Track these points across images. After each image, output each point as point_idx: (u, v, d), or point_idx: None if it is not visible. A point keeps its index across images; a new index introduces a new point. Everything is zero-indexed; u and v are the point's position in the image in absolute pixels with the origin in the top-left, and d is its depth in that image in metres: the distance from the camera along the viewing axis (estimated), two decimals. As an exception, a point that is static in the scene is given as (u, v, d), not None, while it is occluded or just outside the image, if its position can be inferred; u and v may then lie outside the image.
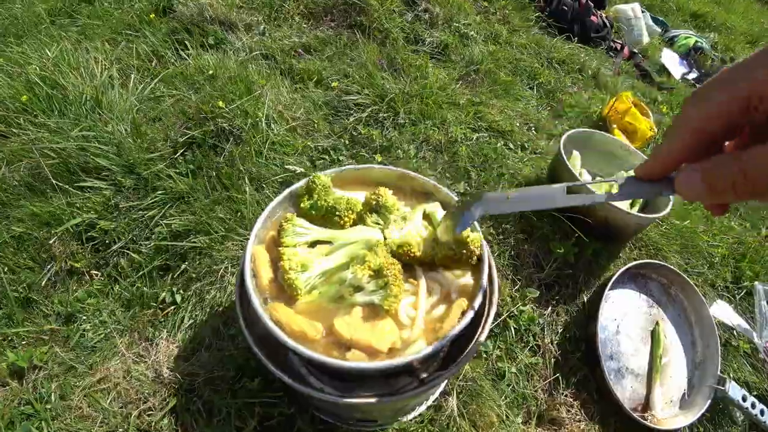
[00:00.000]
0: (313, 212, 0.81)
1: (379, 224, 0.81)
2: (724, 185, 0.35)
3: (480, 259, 0.80)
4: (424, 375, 0.76)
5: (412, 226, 0.81)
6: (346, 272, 0.73)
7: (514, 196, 0.52)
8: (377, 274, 0.70)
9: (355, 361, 0.64)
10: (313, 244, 0.79)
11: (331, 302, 0.73)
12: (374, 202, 0.81)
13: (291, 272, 0.69)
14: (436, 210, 0.88)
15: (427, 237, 0.79)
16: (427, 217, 0.87)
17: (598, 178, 0.43)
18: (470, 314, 0.70)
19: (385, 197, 0.81)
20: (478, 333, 0.79)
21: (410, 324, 0.69)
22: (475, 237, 0.79)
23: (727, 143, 0.41)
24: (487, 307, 0.83)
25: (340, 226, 0.80)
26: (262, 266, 0.75)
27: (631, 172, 0.45)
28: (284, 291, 0.74)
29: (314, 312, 0.72)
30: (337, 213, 0.79)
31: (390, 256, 0.74)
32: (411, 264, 0.77)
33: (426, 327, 0.70)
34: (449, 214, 0.67)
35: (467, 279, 0.77)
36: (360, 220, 0.81)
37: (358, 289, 0.72)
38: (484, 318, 0.82)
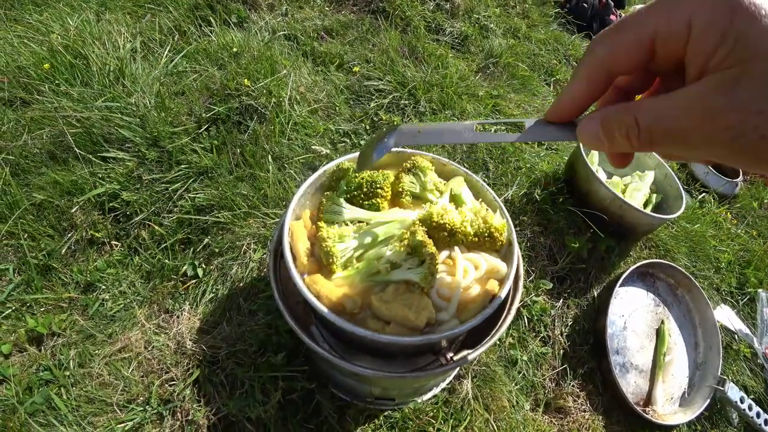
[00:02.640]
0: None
1: (414, 184, 0.83)
2: (620, 135, 0.36)
3: (510, 243, 0.82)
4: (450, 354, 0.79)
5: (444, 201, 0.83)
6: (383, 249, 0.75)
7: (425, 129, 0.53)
8: (414, 251, 0.72)
9: (392, 335, 0.66)
10: (348, 223, 0.81)
11: (367, 278, 0.74)
12: (410, 165, 0.84)
13: (329, 240, 0.71)
14: (461, 191, 0.89)
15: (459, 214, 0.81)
16: (453, 198, 0.89)
17: (508, 119, 0.46)
18: (502, 295, 0.72)
19: (420, 160, 0.84)
20: (504, 316, 0.81)
21: (446, 302, 0.71)
22: (502, 223, 0.81)
23: (639, 96, 0.41)
24: (512, 291, 0.85)
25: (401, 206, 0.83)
26: (300, 240, 0.77)
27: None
28: (320, 266, 0.76)
29: (350, 287, 0.73)
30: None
31: (426, 236, 0.75)
32: (446, 244, 0.79)
33: (459, 306, 0.72)
34: (367, 143, 0.68)
35: (497, 262, 0.79)
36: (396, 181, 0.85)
37: (395, 266, 0.74)
38: (509, 302, 0.84)
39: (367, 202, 0.83)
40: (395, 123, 1.69)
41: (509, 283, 0.75)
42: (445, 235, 0.75)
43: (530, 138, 0.45)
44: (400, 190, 0.84)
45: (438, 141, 0.54)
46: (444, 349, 0.83)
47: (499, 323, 0.81)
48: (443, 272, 0.74)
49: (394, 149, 0.56)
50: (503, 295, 0.73)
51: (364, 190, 0.83)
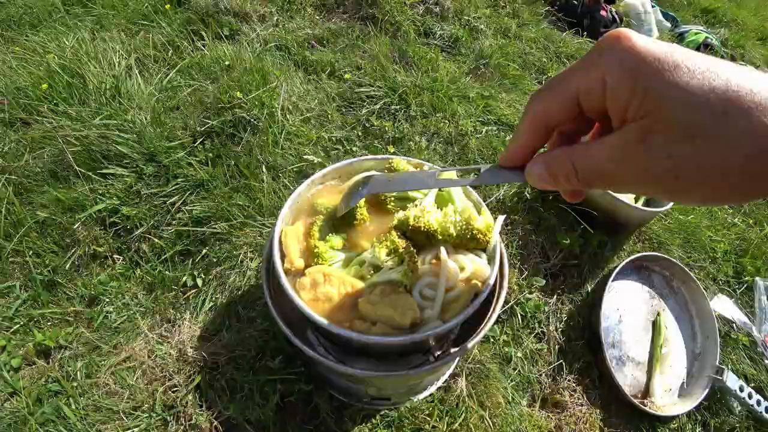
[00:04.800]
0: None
1: None
2: (561, 176, 0.41)
3: (493, 244, 0.84)
4: (438, 353, 0.81)
5: (427, 202, 0.85)
6: (365, 253, 0.78)
7: (395, 178, 0.62)
8: (394, 252, 0.75)
9: (377, 335, 0.69)
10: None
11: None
12: (385, 170, 0.87)
13: (319, 242, 0.75)
14: (450, 188, 0.91)
15: (441, 215, 0.83)
16: (440, 196, 0.91)
17: (466, 166, 0.56)
18: (483, 295, 0.75)
19: (397, 163, 0.87)
20: (489, 314, 0.83)
21: (430, 302, 0.74)
22: (487, 224, 0.83)
23: (586, 136, 0.46)
24: (497, 290, 0.87)
25: None
26: (291, 243, 0.80)
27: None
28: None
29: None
30: None
31: (403, 238, 0.78)
32: (429, 244, 0.82)
33: (443, 306, 0.75)
34: (346, 193, 0.76)
35: (481, 263, 0.82)
36: None
37: (377, 268, 0.77)
38: (494, 301, 0.87)
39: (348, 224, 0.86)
40: (384, 127, 1.72)
41: (491, 282, 0.77)
42: (423, 238, 0.77)
43: (484, 182, 0.50)
44: (383, 198, 0.87)
45: (405, 188, 0.62)
46: (433, 347, 0.86)
47: (485, 321, 0.83)
48: (428, 273, 0.76)
49: (366, 193, 0.65)
50: (485, 293, 0.75)
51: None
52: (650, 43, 0.34)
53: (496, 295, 0.88)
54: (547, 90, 0.41)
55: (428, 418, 1.09)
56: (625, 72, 0.34)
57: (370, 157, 0.97)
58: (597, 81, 0.36)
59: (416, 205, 0.84)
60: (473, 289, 0.75)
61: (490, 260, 0.82)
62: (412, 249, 0.74)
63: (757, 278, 1.81)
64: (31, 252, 1.38)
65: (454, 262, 0.79)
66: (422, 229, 0.76)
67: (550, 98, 0.40)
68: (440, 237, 0.79)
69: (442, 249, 0.77)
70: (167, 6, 2.14)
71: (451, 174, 0.55)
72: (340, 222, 0.85)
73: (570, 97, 0.38)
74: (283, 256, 0.79)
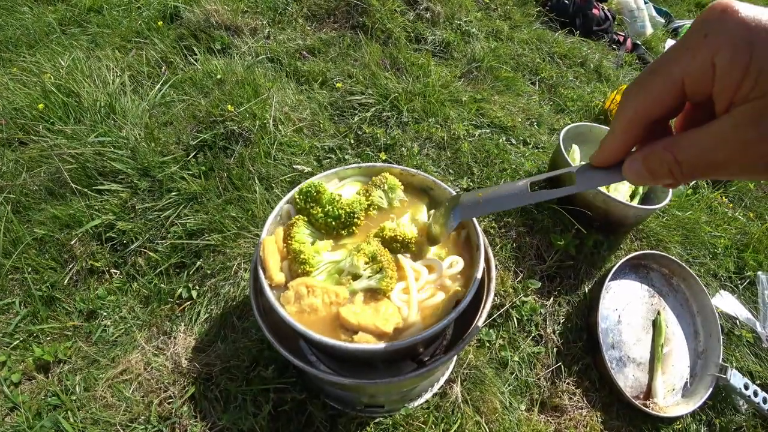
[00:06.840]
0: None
1: (382, 199, 0.87)
2: (663, 171, 0.38)
3: (477, 247, 0.84)
4: (426, 358, 0.81)
5: (404, 220, 0.87)
6: (343, 262, 0.78)
7: (485, 198, 0.58)
8: (372, 260, 0.75)
9: (361, 343, 0.69)
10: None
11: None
12: (379, 182, 0.89)
13: (304, 246, 0.76)
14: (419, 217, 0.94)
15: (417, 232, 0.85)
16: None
17: (558, 170, 0.50)
18: (466, 301, 0.75)
19: (389, 178, 0.90)
20: (476, 319, 0.83)
21: (407, 308, 0.74)
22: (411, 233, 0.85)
23: (672, 121, 0.42)
24: (485, 294, 0.87)
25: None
26: (270, 255, 0.80)
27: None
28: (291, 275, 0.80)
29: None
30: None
31: (381, 245, 0.79)
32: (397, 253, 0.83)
33: (426, 313, 0.75)
34: (437, 218, 0.74)
35: (464, 267, 0.82)
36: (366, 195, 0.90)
37: (356, 277, 0.77)
38: (482, 305, 0.86)
39: (343, 231, 0.87)
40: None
41: (473, 288, 0.77)
42: (398, 246, 0.78)
43: (582, 188, 0.48)
44: (369, 203, 0.88)
45: (500, 208, 0.57)
46: (421, 354, 0.86)
47: (472, 325, 0.83)
48: (401, 278, 0.77)
49: (461, 219, 0.64)
50: (468, 299, 0.75)
51: (343, 220, 0.86)
52: (759, 14, 0.31)
53: (484, 296, 0.88)
54: (646, 80, 0.37)
55: (423, 425, 1.08)
56: (738, 52, 0.31)
57: (354, 165, 0.98)
58: (706, 63, 0.33)
59: (393, 219, 0.86)
60: (455, 295, 0.75)
61: (474, 263, 0.82)
62: (390, 258, 0.74)
63: (759, 273, 1.78)
64: (29, 268, 1.41)
65: (430, 268, 0.80)
66: (399, 237, 0.77)
67: (652, 88, 0.37)
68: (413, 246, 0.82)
69: (399, 256, 0.79)
70: (160, 23, 2.18)
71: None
72: (338, 230, 0.86)
73: (675, 84, 0.35)
74: (263, 263, 0.79)
